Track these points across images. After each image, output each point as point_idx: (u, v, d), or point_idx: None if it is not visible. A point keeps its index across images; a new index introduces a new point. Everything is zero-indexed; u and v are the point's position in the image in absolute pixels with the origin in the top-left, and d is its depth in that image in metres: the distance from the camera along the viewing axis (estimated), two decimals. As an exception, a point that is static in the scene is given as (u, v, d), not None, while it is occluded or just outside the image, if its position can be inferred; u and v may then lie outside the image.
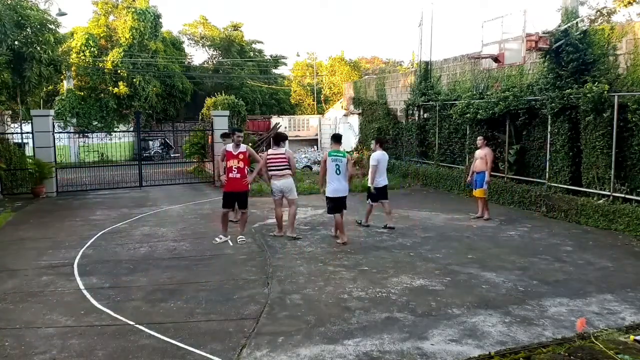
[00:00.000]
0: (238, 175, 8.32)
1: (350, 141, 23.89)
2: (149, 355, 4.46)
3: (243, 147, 8.42)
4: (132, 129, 29.01)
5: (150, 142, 29.01)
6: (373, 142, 9.93)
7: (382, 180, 9.49)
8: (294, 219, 8.84)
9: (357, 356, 4.39)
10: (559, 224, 9.92)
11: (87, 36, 27.73)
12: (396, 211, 11.22)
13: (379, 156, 9.43)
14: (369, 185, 9.47)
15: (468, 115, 12.94)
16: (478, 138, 10.64)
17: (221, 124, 16.45)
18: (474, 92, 13.61)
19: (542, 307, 5.48)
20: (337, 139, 8.81)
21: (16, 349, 4.63)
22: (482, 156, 10.25)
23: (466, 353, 4.42)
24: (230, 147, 8.45)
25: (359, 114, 22.21)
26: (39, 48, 15.87)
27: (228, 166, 8.36)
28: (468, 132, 13.59)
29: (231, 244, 8.49)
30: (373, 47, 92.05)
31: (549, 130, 10.99)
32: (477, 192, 10.36)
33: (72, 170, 17.27)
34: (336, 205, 8.42)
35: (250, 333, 4.88)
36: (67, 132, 23.03)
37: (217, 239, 8.57)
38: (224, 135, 10.31)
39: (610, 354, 4.12)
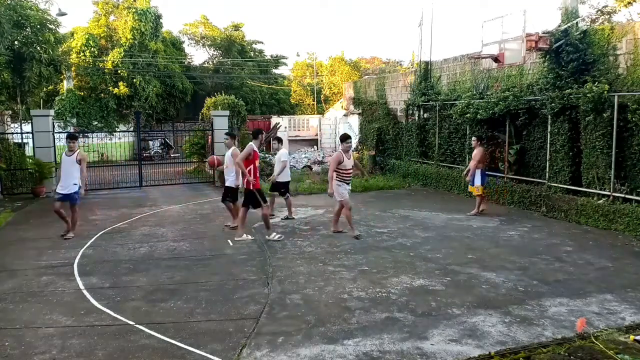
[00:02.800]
0: (258, 174, 8.89)
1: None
2: (149, 355, 4.46)
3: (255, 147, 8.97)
4: (132, 129, 29.00)
5: (150, 142, 29.00)
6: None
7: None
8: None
9: (357, 356, 4.39)
10: (559, 224, 9.92)
11: (87, 36, 27.71)
12: (396, 211, 11.23)
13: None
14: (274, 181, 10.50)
15: (468, 115, 12.94)
16: (472, 138, 11.32)
17: (221, 124, 16.46)
18: (474, 92, 13.60)
19: (542, 307, 5.48)
20: (233, 137, 10.04)
21: (16, 349, 4.64)
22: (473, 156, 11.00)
23: (466, 353, 4.42)
24: (255, 147, 8.72)
25: (359, 114, 22.20)
26: (39, 48, 15.87)
27: (255, 166, 8.67)
28: (468, 132, 13.58)
29: (231, 244, 8.50)
30: (373, 47, 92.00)
31: (549, 130, 10.99)
32: (471, 189, 11.16)
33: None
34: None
35: (250, 333, 4.88)
36: (67, 132, 22.99)
37: (247, 236, 8.77)
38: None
39: (610, 354, 4.12)
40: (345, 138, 8.79)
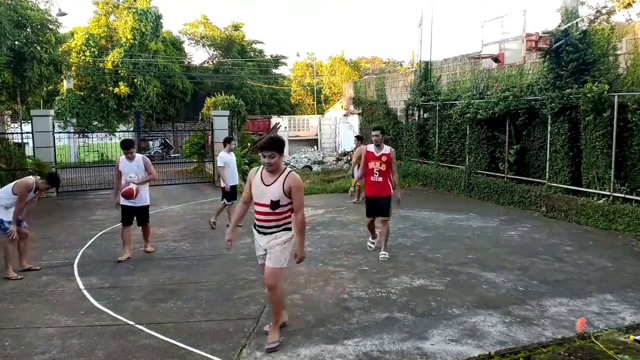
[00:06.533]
0: (380, 179, 7.40)
1: (350, 141, 23.88)
2: (149, 355, 4.46)
3: (387, 148, 7.49)
4: (132, 129, 29.00)
5: (150, 142, 28.99)
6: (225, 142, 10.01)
7: (232, 181, 9.70)
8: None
9: (357, 356, 4.39)
10: (559, 224, 9.92)
11: (87, 36, 27.74)
12: (396, 211, 11.21)
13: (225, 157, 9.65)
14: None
15: (468, 115, 12.94)
16: (353, 138, 13.70)
17: (221, 124, 16.45)
18: (474, 92, 13.60)
19: (542, 307, 5.48)
20: (133, 144, 8.04)
21: (16, 349, 4.63)
22: None
23: (466, 353, 4.42)
24: (371, 147, 7.54)
25: (359, 114, 22.21)
26: (39, 48, 15.86)
27: (369, 168, 7.49)
28: (468, 132, 13.59)
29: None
30: (373, 47, 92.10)
31: (549, 130, 10.99)
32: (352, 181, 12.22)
33: (72, 170, 17.28)
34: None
35: (250, 333, 4.88)
36: (67, 132, 23.03)
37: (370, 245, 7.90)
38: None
39: (610, 354, 4.12)
40: (263, 149, 4.57)
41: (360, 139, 13.31)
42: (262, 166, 4.61)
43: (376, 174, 7.39)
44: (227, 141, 9.94)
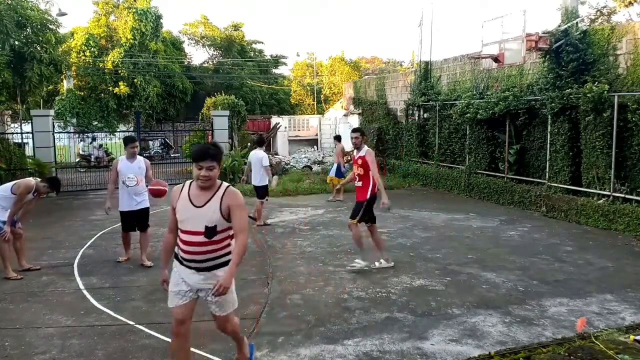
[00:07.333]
0: (360, 184, 6.88)
1: (350, 141, 23.87)
2: (149, 355, 4.46)
3: (363, 150, 6.85)
4: (132, 129, 29.00)
5: (150, 142, 28.99)
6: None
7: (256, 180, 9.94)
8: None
9: (357, 356, 4.39)
10: (559, 224, 9.92)
11: (87, 36, 27.74)
12: (396, 211, 11.22)
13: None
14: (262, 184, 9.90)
15: (468, 115, 12.94)
16: (334, 138, 14.59)
17: (221, 124, 16.48)
18: (474, 92, 13.60)
19: (542, 307, 5.48)
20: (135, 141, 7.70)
21: (16, 349, 4.63)
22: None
23: (466, 353, 4.42)
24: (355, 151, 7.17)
25: (359, 114, 22.20)
26: (39, 48, 15.87)
27: (353, 173, 7.17)
28: (468, 132, 13.59)
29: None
30: (373, 47, 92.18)
31: (549, 130, 10.99)
32: (328, 179, 13.73)
33: (72, 170, 17.28)
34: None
35: (250, 333, 4.88)
36: (67, 132, 23.03)
37: (376, 263, 7.03)
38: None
39: (610, 354, 4.12)
40: (200, 158, 3.49)
41: (339, 139, 13.98)
42: (188, 182, 3.65)
43: (356, 178, 6.92)
44: (263, 142, 10.29)
